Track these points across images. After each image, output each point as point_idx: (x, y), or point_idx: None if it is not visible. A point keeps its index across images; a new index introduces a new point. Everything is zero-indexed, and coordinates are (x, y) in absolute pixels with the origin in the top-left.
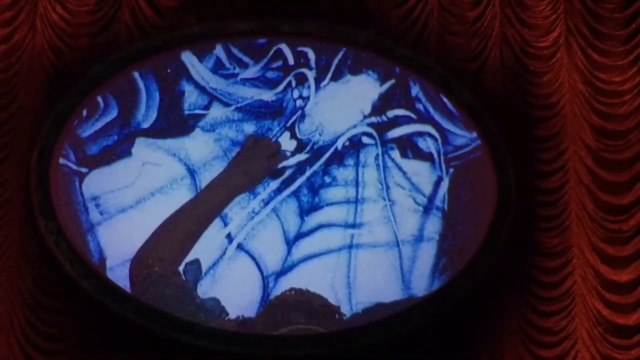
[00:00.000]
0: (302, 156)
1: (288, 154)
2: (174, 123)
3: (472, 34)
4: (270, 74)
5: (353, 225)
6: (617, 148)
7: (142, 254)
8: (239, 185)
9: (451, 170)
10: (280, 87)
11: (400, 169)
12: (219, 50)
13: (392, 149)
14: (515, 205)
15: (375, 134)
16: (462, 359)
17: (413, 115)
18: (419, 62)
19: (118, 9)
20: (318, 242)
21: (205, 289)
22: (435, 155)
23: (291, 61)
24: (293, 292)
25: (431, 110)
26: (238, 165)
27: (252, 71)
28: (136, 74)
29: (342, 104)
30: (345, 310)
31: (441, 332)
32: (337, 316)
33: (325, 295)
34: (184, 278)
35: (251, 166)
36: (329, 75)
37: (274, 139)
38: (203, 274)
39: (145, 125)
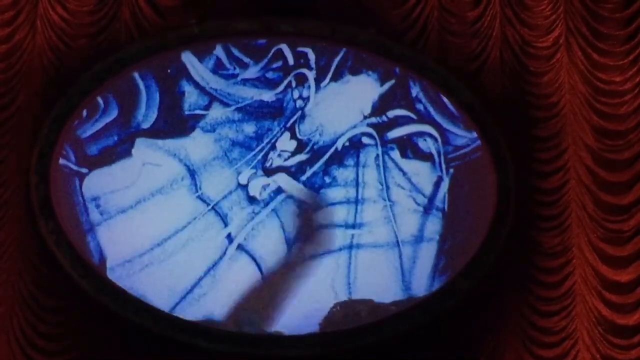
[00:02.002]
0: (302, 156)
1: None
2: (174, 123)
3: (472, 34)
4: (270, 75)
5: (353, 226)
6: (617, 148)
7: None
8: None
9: (451, 170)
10: (281, 88)
11: (400, 169)
12: (219, 51)
13: (392, 149)
14: (515, 205)
15: (375, 134)
16: (462, 359)
17: (413, 116)
18: (419, 62)
19: (118, 9)
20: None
21: (205, 289)
22: (436, 156)
23: (291, 61)
24: (338, 308)
25: (431, 110)
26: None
27: (252, 71)
28: (136, 75)
29: (342, 104)
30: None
31: (441, 332)
32: (389, 311)
33: (325, 296)
34: None
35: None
36: (329, 75)
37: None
38: (203, 274)
39: (146, 125)
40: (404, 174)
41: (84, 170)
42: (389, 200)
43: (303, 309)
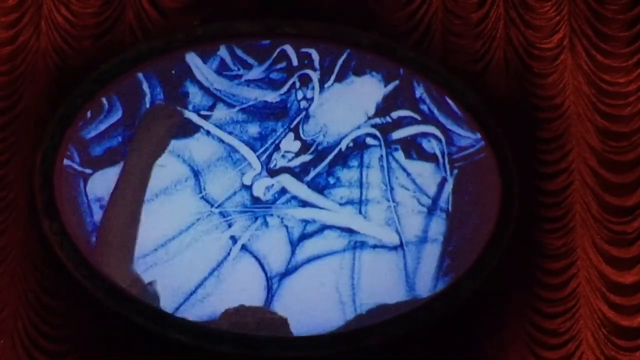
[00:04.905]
0: (306, 157)
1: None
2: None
3: (476, 36)
4: (274, 75)
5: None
6: (621, 149)
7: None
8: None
9: (455, 171)
10: (284, 88)
11: (404, 170)
12: (223, 52)
13: (396, 150)
14: (519, 206)
15: (379, 135)
16: None
17: (417, 117)
18: (423, 63)
19: (122, 11)
20: (322, 243)
21: (209, 290)
22: (440, 157)
23: (295, 62)
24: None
25: (435, 111)
26: (141, 140)
27: (256, 72)
28: (140, 75)
29: (346, 105)
30: (349, 312)
31: (445, 333)
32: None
33: (330, 296)
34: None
35: (154, 133)
36: (333, 76)
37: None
38: (207, 275)
39: None
40: (408, 174)
41: (88, 171)
42: (393, 201)
43: (304, 308)
